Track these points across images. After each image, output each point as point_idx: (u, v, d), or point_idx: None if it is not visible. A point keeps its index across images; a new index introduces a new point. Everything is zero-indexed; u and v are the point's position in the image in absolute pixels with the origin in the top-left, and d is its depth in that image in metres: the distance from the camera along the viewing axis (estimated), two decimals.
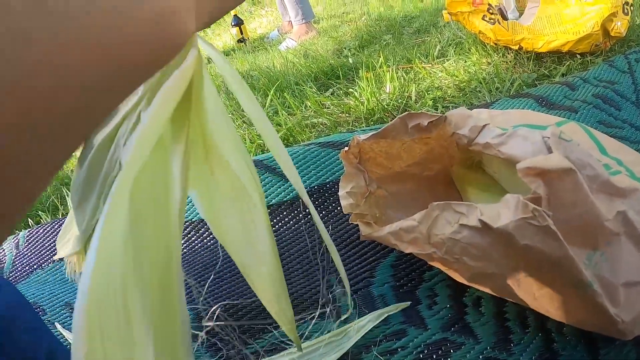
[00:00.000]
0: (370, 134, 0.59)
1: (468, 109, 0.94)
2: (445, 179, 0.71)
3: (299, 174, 0.78)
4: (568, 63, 1.12)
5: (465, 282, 0.48)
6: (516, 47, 1.18)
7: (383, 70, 1.28)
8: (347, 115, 1.15)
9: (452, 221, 0.44)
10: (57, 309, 0.65)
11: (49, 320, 0.62)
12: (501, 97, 0.98)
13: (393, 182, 0.67)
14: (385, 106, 1.12)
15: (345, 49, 1.80)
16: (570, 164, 0.39)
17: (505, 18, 1.26)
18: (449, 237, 0.43)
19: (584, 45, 1.11)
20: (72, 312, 0.66)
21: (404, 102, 1.13)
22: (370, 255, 0.60)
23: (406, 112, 0.57)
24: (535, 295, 0.42)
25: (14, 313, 0.41)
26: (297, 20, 2.38)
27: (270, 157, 0.82)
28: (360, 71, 1.33)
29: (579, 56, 1.14)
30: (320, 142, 0.86)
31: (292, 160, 0.81)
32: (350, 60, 1.55)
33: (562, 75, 1.08)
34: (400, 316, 0.51)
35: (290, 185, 0.77)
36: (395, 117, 0.57)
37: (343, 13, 2.76)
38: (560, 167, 0.38)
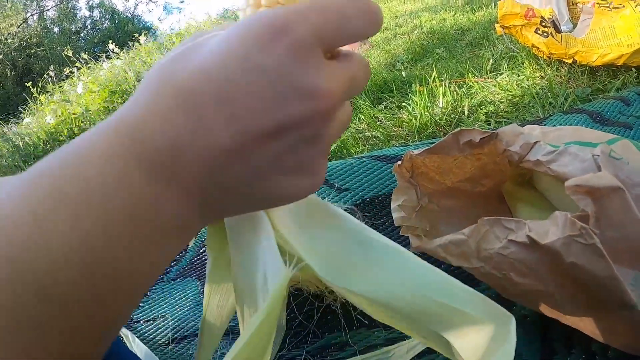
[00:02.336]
0: (423, 149, 0.61)
1: (521, 125, 0.94)
2: (497, 195, 0.72)
3: (352, 185, 0.81)
4: (623, 77, 1.09)
5: (512, 299, 0.49)
6: (570, 61, 1.16)
7: (436, 85, 1.29)
8: (400, 129, 1.17)
9: (500, 236, 0.45)
10: None
11: None
12: (554, 112, 0.97)
13: (444, 197, 0.69)
14: (438, 120, 1.13)
15: (398, 62, 1.82)
16: (619, 182, 0.40)
17: (558, 30, 1.25)
18: (497, 253, 0.44)
19: (639, 58, 1.08)
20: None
21: (457, 116, 1.13)
22: None
23: (458, 128, 0.59)
24: (582, 315, 0.42)
25: None
26: None
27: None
28: (413, 85, 1.35)
29: (634, 69, 1.11)
30: (373, 155, 0.88)
31: (346, 172, 0.84)
32: (404, 73, 1.57)
33: (617, 89, 1.06)
34: None
35: (343, 198, 0.80)
36: (448, 132, 0.59)
37: (395, 26, 2.78)
38: (609, 185, 0.39)
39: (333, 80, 0.23)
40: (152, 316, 0.76)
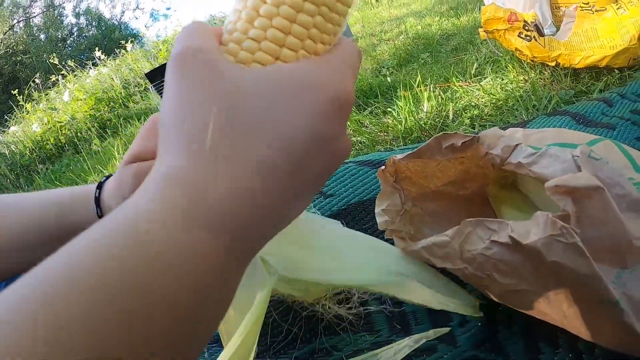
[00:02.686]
0: (406, 153, 0.61)
1: (505, 127, 0.95)
2: (481, 198, 0.72)
3: (338, 191, 0.81)
4: (606, 78, 1.11)
5: (497, 300, 0.49)
6: (553, 64, 1.18)
7: (421, 90, 1.30)
8: (385, 134, 1.17)
9: (483, 237, 0.45)
10: None
11: None
12: (538, 115, 0.98)
13: (428, 200, 0.69)
14: (423, 125, 1.13)
15: (383, 67, 1.83)
16: (599, 182, 0.40)
17: (541, 34, 1.26)
18: (480, 253, 0.44)
19: (621, 59, 1.10)
20: None
21: (442, 120, 1.14)
22: None
23: (441, 133, 0.59)
24: (566, 313, 0.42)
25: None
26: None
27: None
28: (398, 90, 1.36)
29: (617, 71, 1.13)
30: (358, 161, 0.88)
31: (331, 178, 0.84)
32: (389, 79, 1.57)
33: (600, 91, 1.07)
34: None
35: (329, 204, 0.80)
36: (433, 136, 0.59)
37: (381, 32, 2.80)
38: (588, 185, 0.40)
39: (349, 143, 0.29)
40: None
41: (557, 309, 0.43)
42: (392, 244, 0.58)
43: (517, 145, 0.53)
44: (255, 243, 0.25)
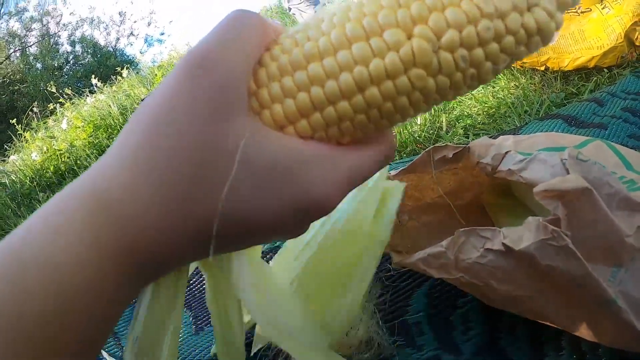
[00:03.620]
0: (399, 170, 0.61)
1: (497, 135, 0.95)
2: (478, 207, 0.72)
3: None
4: (595, 78, 1.12)
5: (497, 306, 0.49)
6: (542, 68, 1.19)
7: None
8: None
9: (477, 246, 0.46)
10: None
11: None
12: (530, 120, 0.99)
13: (424, 213, 0.69)
14: (417, 138, 1.14)
15: None
16: (587, 183, 0.41)
17: None
18: (475, 262, 0.45)
19: (609, 58, 1.11)
20: (117, 340, 0.71)
21: (435, 132, 1.15)
22: (405, 285, 0.62)
23: (431, 146, 0.60)
24: (566, 315, 0.43)
25: None
26: None
27: None
28: None
29: (606, 70, 1.14)
30: None
31: None
32: None
33: (591, 91, 1.08)
34: (435, 343, 0.53)
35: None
36: (427, 147, 0.60)
37: None
38: (576, 187, 0.40)
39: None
40: None
41: (556, 312, 0.43)
42: (389, 258, 0.58)
43: (506, 152, 0.53)
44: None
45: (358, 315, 0.54)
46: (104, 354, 0.66)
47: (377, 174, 0.47)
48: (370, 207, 0.52)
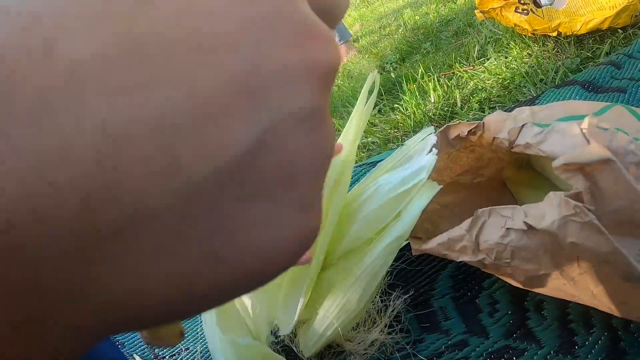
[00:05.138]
0: None
1: (514, 106, 0.93)
2: (498, 183, 0.71)
3: None
4: (610, 40, 1.08)
5: (522, 286, 0.48)
6: (554, 34, 1.15)
7: (425, 81, 1.28)
8: (396, 130, 1.16)
9: (498, 226, 0.44)
10: (135, 342, 0.70)
11: (128, 353, 0.67)
12: (546, 89, 0.96)
13: (444, 193, 0.68)
14: (432, 116, 1.12)
15: (387, 64, 1.82)
16: (609, 153, 0.39)
17: (538, 5, 1.24)
18: (497, 242, 0.43)
19: (623, 18, 1.07)
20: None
21: (450, 109, 1.13)
22: (429, 268, 0.61)
23: (444, 126, 0.58)
24: (594, 292, 0.41)
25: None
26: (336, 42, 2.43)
27: None
28: (403, 84, 1.35)
29: (620, 31, 1.09)
30: (371, 162, 0.88)
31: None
32: (393, 74, 1.56)
33: (606, 54, 1.04)
34: (462, 326, 0.51)
35: None
36: (442, 125, 0.58)
37: (380, 27, 2.79)
38: (598, 158, 0.38)
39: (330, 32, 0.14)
40: (176, 350, 0.76)
41: (584, 290, 0.42)
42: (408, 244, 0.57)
43: (523, 125, 0.52)
44: None
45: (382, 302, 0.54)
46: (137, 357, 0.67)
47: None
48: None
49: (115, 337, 0.73)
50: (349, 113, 1.39)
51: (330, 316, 0.50)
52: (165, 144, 0.09)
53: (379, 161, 0.87)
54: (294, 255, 0.13)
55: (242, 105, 0.11)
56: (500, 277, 0.49)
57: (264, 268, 0.12)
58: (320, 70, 0.12)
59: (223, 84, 0.10)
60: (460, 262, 0.57)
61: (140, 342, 0.70)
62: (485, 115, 0.97)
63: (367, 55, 2.17)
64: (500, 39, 1.35)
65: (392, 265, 0.53)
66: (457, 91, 1.17)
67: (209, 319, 0.52)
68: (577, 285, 0.42)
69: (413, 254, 0.56)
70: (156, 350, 0.73)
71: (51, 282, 0.09)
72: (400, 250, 0.54)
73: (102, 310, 0.10)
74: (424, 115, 1.13)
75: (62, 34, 0.09)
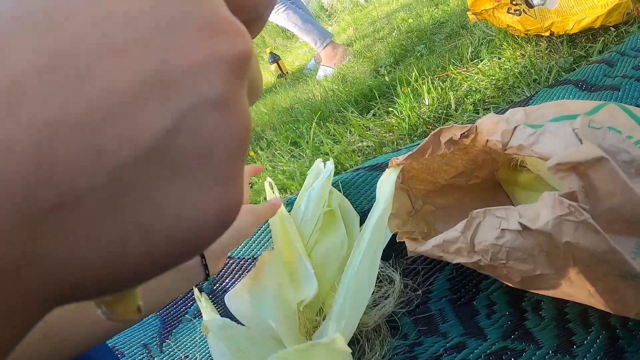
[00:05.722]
0: (406, 154, 0.60)
1: (507, 108, 0.93)
2: (493, 184, 0.71)
3: (351, 200, 0.80)
4: (603, 38, 1.08)
5: (518, 287, 0.48)
6: (547, 34, 1.15)
7: (419, 83, 1.28)
8: (390, 134, 1.16)
9: (493, 227, 0.44)
10: (135, 351, 0.69)
11: None
12: (540, 89, 0.97)
13: (439, 195, 0.68)
14: (427, 119, 1.12)
15: (381, 67, 1.82)
16: (602, 152, 0.39)
17: (530, 6, 1.24)
18: (492, 244, 0.43)
19: (615, 16, 1.07)
20: (149, 353, 0.71)
21: (444, 111, 1.13)
22: (426, 271, 0.61)
23: (437, 129, 0.58)
24: (590, 291, 0.41)
25: (93, 356, 0.46)
26: (318, 46, 2.41)
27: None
28: (397, 88, 1.35)
29: (613, 29, 1.09)
30: (367, 166, 0.88)
31: (344, 187, 0.83)
32: (387, 78, 1.56)
33: (599, 52, 1.04)
34: (460, 329, 0.51)
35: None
36: (437, 128, 0.58)
37: (374, 31, 2.79)
38: (590, 157, 0.38)
39: (241, 25, 0.15)
40: (177, 357, 0.76)
41: (581, 289, 0.42)
42: (404, 245, 0.57)
43: (515, 127, 0.52)
44: None
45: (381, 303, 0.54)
46: None
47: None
48: None
49: (115, 346, 0.72)
50: (344, 117, 1.39)
51: (344, 313, 0.50)
52: (89, 133, 0.11)
53: (375, 165, 0.87)
54: (218, 225, 0.14)
55: (154, 95, 0.12)
56: (496, 277, 0.49)
57: (190, 237, 0.14)
58: (229, 60, 0.14)
59: (135, 79, 0.12)
60: (457, 264, 0.57)
61: (140, 352, 0.70)
62: (479, 117, 0.97)
63: (361, 59, 2.17)
64: (493, 40, 1.35)
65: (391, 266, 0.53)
66: (451, 93, 1.17)
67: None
68: (574, 285, 0.42)
69: (409, 255, 0.56)
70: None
71: (3, 250, 0.11)
72: (398, 256, 0.54)
73: (47, 276, 0.12)
74: (418, 118, 1.13)
75: (1, 50, 0.11)
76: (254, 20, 0.19)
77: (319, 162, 0.89)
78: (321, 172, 0.83)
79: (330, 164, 0.82)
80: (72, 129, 0.11)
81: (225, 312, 0.74)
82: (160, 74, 0.12)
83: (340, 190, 0.82)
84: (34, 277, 0.12)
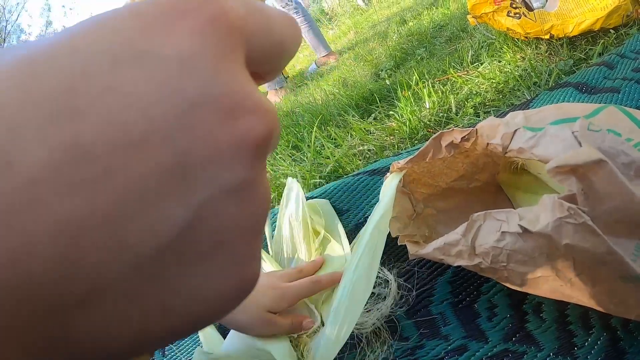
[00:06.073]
0: (407, 158, 0.60)
1: (507, 111, 0.93)
2: (494, 187, 0.71)
3: (352, 205, 0.80)
4: (602, 41, 1.08)
5: (520, 289, 0.48)
6: (547, 37, 1.16)
7: (420, 87, 1.29)
8: (391, 138, 1.16)
9: (493, 230, 0.44)
10: None
11: None
12: (540, 91, 0.97)
13: (440, 199, 0.68)
14: (428, 122, 1.12)
15: (381, 71, 1.82)
16: (601, 154, 0.39)
17: (530, 9, 1.24)
18: (492, 246, 0.44)
19: (614, 19, 1.07)
20: (151, 357, 0.71)
21: (445, 114, 1.13)
22: (427, 274, 0.61)
23: (438, 132, 0.58)
24: (591, 293, 0.41)
25: None
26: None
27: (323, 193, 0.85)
28: (398, 91, 1.35)
29: (612, 31, 1.10)
30: (368, 171, 0.88)
31: (344, 192, 0.83)
32: (388, 81, 1.57)
33: (599, 55, 1.05)
34: (461, 331, 0.52)
35: (345, 220, 0.79)
36: (438, 131, 0.59)
37: (374, 35, 2.80)
38: (590, 160, 0.39)
39: (264, 99, 0.14)
40: None
41: (581, 291, 0.42)
42: (405, 249, 0.57)
43: (515, 130, 0.52)
44: None
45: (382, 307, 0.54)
46: None
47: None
48: None
49: None
50: (345, 121, 1.39)
51: (340, 315, 0.50)
52: (112, 230, 0.11)
53: (377, 169, 0.87)
54: (234, 300, 0.15)
55: (175, 189, 0.12)
56: (497, 280, 0.49)
57: (207, 312, 0.14)
58: (250, 143, 0.13)
59: (155, 174, 0.12)
60: (458, 267, 0.57)
61: None
62: (480, 120, 0.98)
63: (362, 63, 2.18)
64: (494, 43, 1.36)
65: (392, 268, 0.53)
66: (451, 96, 1.17)
67: None
68: (574, 287, 0.42)
69: (410, 258, 0.56)
70: None
71: (32, 340, 0.11)
72: (398, 260, 0.54)
73: (78, 352, 0.12)
74: (419, 122, 1.13)
75: (16, 144, 0.11)
76: (277, 70, 0.18)
77: (290, 181, 0.85)
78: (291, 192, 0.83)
79: (294, 182, 0.83)
80: (94, 228, 0.11)
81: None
82: (181, 166, 0.12)
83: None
84: (64, 355, 0.12)
